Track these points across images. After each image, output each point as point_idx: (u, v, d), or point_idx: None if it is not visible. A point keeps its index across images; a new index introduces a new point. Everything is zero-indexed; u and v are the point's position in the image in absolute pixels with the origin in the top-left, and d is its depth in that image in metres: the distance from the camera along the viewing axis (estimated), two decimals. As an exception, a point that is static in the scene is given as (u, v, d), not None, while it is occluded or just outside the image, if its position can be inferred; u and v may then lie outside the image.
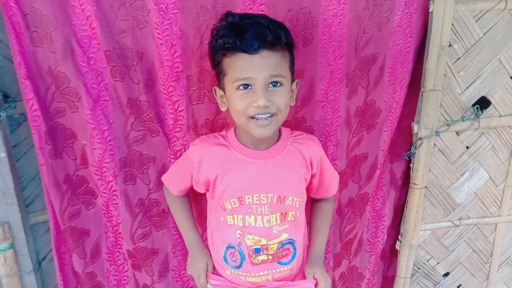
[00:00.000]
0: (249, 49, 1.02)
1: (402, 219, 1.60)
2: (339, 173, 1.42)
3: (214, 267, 1.31)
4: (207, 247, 1.35)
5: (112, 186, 1.34)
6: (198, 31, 1.22)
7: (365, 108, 1.44)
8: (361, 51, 1.35)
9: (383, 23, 1.33)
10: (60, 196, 1.32)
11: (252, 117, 1.08)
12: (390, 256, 1.76)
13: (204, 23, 1.21)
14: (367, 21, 1.31)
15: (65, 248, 1.40)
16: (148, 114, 1.30)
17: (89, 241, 1.42)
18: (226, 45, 1.05)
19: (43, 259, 1.46)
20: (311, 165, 1.23)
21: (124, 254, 1.45)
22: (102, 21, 1.16)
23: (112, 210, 1.37)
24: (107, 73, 1.23)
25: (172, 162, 1.36)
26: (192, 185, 1.27)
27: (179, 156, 1.35)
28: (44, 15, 1.15)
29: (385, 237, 1.66)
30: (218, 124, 1.35)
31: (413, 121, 1.47)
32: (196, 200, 1.42)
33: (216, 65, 1.12)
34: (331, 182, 1.32)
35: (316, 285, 1.28)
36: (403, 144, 1.56)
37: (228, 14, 1.09)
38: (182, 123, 1.31)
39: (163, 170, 1.38)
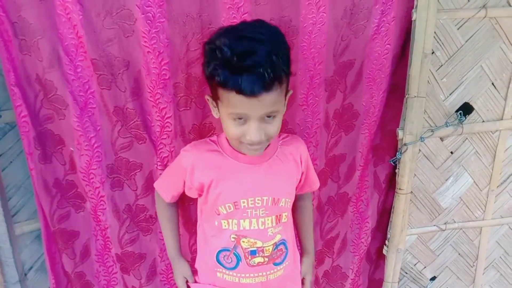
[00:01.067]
0: (247, 94, 0.99)
1: (389, 224, 1.62)
2: (318, 172, 1.48)
3: (197, 274, 1.34)
4: (194, 252, 1.37)
5: (99, 192, 1.36)
6: (185, 39, 1.24)
7: (343, 110, 1.48)
8: (339, 58, 1.39)
9: (360, 30, 1.37)
10: (49, 199, 1.35)
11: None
12: (377, 259, 1.79)
13: (190, 31, 1.24)
14: (345, 28, 1.35)
15: (55, 248, 1.42)
16: (134, 122, 1.32)
17: (78, 242, 1.44)
18: (222, 84, 1.02)
19: (30, 269, 1.46)
20: (301, 163, 1.26)
21: (113, 257, 1.47)
22: (89, 29, 1.18)
23: (100, 215, 1.40)
24: (94, 81, 1.25)
25: (159, 169, 1.38)
26: (184, 190, 1.28)
27: (166, 163, 1.37)
28: (32, 24, 1.17)
29: (369, 238, 1.70)
30: (205, 128, 1.37)
31: (397, 126, 1.50)
32: (183, 206, 1.44)
33: (210, 84, 1.11)
34: (315, 178, 1.36)
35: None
36: (387, 148, 1.60)
37: (222, 42, 1.02)
38: (169, 129, 1.33)
39: (150, 176, 1.40)
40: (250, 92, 0.99)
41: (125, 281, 1.51)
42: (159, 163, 1.38)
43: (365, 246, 1.70)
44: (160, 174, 1.37)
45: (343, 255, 1.70)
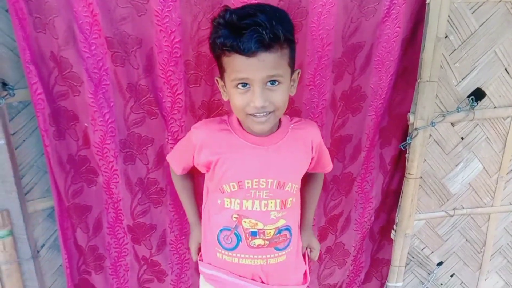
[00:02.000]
0: (246, 52, 1.01)
1: (397, 208, 1.63)
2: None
3: (202, 250, 1.37)
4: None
5: (113, 166, 1.42)
6: (196, 18, 1.27)
7: (351, 92, 1.50)
8: (348, 39, 1.40)
9: (370, 13, 1.38)
10: (64, 175, 1.40)
11: (250, 114, 1.10)
12: (380, 238, 1.82)
13: (201, 10, 1.26)
14: (355, 10, 1.36)
15: (68, 224, 1.47)
16: (147, 98, 1.36)
17: (91, 216, 1.50)
18: (224, 47, 1.05)
19: (42, 246, 1.49)
20: (312, 149, 1.26)
21: (124, 228, 1.53)
22: (103, 8, 1.21)
23: (113, 188, 1.45)
24: (108, 58, 1.28)
25: (170, 143, 1.42)
26: (193, 164, 1.29)
27: (177, 137, 1.41)
28: (47, 2, 1.19)
29: (372, 218, 1.73)
30: (213, 105, 1.41)
31: (406, 110, 1.51)
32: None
33: (216, 58, 1.13)
34: (327, 161, 1.37)
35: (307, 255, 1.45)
36: (395, 131, 1.61)
37: (226, 10, 1.07)
38: (180, 105, 1.37)
39: (161, 151, 1.45)
40: (248, 50, 1.01)
41: (135, 251, 1.58)
42: (169, 137, 1.42)
43: (368, 225, 1.74)
44: (171, 148, 1.41)
45: (346, 232, 1.74)
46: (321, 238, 1.73)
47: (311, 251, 1.48)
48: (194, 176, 1.45)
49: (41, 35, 1.23)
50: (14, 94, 1.26)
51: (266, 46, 1.02)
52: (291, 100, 1.42)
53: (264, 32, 1.00)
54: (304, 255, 1.43)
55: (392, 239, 1.69)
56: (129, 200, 1.48)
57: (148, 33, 1.26)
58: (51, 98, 1.31)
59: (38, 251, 1.46)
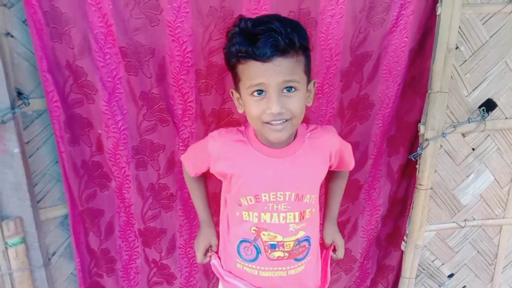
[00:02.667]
0: (262, 57, 1.01)
1: (408, 219, 1.62)
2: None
3: (222, 259, 1.35)
4: (216, 213, 1.41)
5: (125, 171, 1.46)
6: (207, 29, 1.30)
7: (358, 100, 1.52)
8: (356, 49, 1.43)
9: (378, 23, 1.40)
10: (78, 180, 1.44)
11: (267, 122, 1.08)
12: (387, 245, 1.83)
13: (213, 21, 1.29)
14: (363, 21, 1.39)
15: (80, 228, 1.51)
16: (159, 106, 1.39)
17: (103, 220, 1.54)
18: (239, 53, 1.05)
19: (53, 254, 1.50)
20: (330, 157, 1.25)
21: (135, 232, 1.57)
22: (118, 19, 1.25)
23: (125, 193, 1.49)
24: (121, 67, 1.32)
25: (181, 149, 1.45)
26: (208, 169, 1.28)
27: (187, 143, 1.44)
28: (63, 13, 1.23)
29: (379, 225, 1.75)
30: (224, 113, 1.44)
31: (413, 119, 1.53)
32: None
33: (231, 69, 1.13)
34: (350, 159, 1.35)
35: (334, 250, 1.43)
36: (403, 140, 1.63)
37: (241, 19, 1.08)
38: (191, 112, 1.41)
39: (172, 157, 1.48)
40: (264, 55, 1.01)
41: (146, 254, 1.62)
42: (180, 144, 1.45)
43: (375, 232, 1.76)
44: (182, 153, 1.43)
45: (353, 239, 1.76)
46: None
47: (334, 250, 1.43)
48: (207, 178, 1.46)
49: (57, 45, 1.26)
50: (29, 103, 1.29)
51: (281, 51, 1.02)
52: None
53: (279, 37, 1.00)
54: (326, 258, 1.40)
55: (399, 247, 1.69)
56: (140, 204, 1.51)
57: (161, 43, 1.29)
58: (66, 105, 1.34)
59: (49, 259, 1.47)
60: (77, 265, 1.52)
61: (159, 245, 1.60)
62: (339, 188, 1.44)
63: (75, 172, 1.42)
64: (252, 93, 1.07)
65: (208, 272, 1.71)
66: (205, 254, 1.40)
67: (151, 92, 1.36)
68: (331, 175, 1.41)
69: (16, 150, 1.27)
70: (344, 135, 1.56)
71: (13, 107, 1.23)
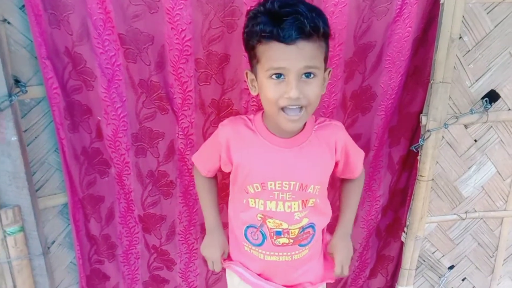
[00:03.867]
0: (286, 39, 1.00)
1: (408, 210, 1.61)
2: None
3: (230, 245, 1.36)
4: (225, 224, 1.39)
5: (124, 158, 1.46)
6: (207, 17, 1.28)
7: (361, 92, 1.50)
8: (359, 39, 1.40)
9: (382, 12, 1.37)
10: (78, 167, 1.44)
11: (282, 109, 1.07)
12: (386, 236, 1.82)
13: (212, 9, 1.27)
14: (367, 10, 1.36)
15: (80, 215, 1.51)
16: (158, 94, 1.38)
17: (103, 206, 1.55)
18: (263, 33, 1.02)
19: (52, 243, 1.50)
20: (335, 151, 1.24)
21: (135, 218, 1.58)
22: (116, 5, 1.23)
23: (124, 180, 1.50)
24: (120, 54, 1.31)
25: (181, 138, 1.45)
26: (220, 166, 1.28)
27: (187, 133, 1.44)
28: None
29: (379, 216, 1.74)
30: (223, 103, 1.43)
31: (415, 109, 1.51)
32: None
33: (250, 49, 1.10)
34: (357, 163, 1.32)
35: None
36: (404, 131, 1.61)
37: (263, 2, 1.06)
38: (190, 102, 1.39)
39: (171, 145, 1.48)
40: (289, 37, 0.99)
41: (146, 239, 1.63)
42: (180, 133, 1.44)
43: (375, 223, 1.75)
44: (181, 143, 1.44)
45: (353, 230, 1.69)
46: (330, 234, 1.72)
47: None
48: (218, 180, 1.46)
49: (56, 31, 1.25)
50: (26, 91, 1.27)
51: (306, 34, 1.01)
52: None
53: (305, 20, 0.99)
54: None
55: (399, 238, 1.69)
56: (140, 191, 1.52)
57: (160, 30, 1.28)
58: (65, 92, 1.33)
59: (48, 248, 1.47)
60: (77, 253, 1.53)
61: (159, 231, 1.61)
62: (351, 200, 1.39)
63: (75, 159, 1.42)
64: (271, 76, 1.05)
65: None
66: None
67: (150, 79, 1.35)
68: (344, 188, 1.39)
69: (14, 138, 1.27)
70: (346, 127, 1.50)
71: (10, 95, 1.22)
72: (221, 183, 1.47)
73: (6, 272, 1.37)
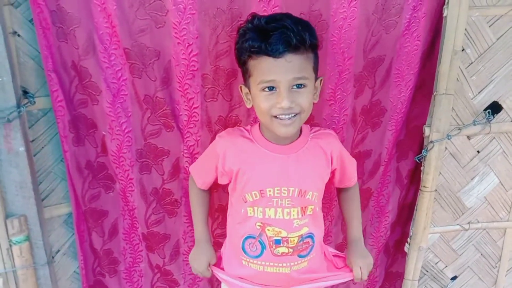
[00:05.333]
0: (274, 53, 1.05)
1: (412, 221, 1.61)
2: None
3: (224, 259, 1.35)
4: (216, 236, 1.41)
5: (128, 174, 1.43)
6: (214, 32, 1.26)
7: (371, 107, 1.48)
8: (369, 53, 1.39)
9: (391, 26, 1.36)
10: (82, 180, 1.43)
11: (276, 117, 1.11)
12: (394, 252, 1.80)
13: (220, 24, 1.26)
14: (376, 24, 1.35)
15: (84, 227, 1.50)
16: (163, 110, 1.36)
17: (107, 221, 1.52)
18: (252, 49, 1.07)
19: (57, 252, 1.51)
20: (331, 160, 1.26)
21: (139, 235, 1.55)
22: (122, 20, 1.22)
23: (128, 196, 1.47)
24: (126, 69, 1.29)
25: (186, 157, 1.42)
26: (216, 178, 1.30)
27: (192, 151, 1.41)
28: (69, 13, 1.21)
29: (388, 232, 1.71)
30: (230, 120, 1.41)
31: (423, 123, 1.49)
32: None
33: (242, 64, 1.15)
34: (352, 171, 1.35)
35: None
36: (411, 144, 1.60)
37: (254, 16, 1.11)
38: (196, 119, 1.37)
39: (176, 163, 1.45)
40: (277, 51, 1.04)
41: (149, 258, 1.59)
42: (185, 151, 1.42)
43: (384, 239, 1.72)
44: (187, 161, 1.42)
45: None
46: None
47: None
48: (212, 193, 1.45)
49: (63, 45, 1.25)
50: (34, 102, 1.28)
51: (293, 47, 1.05)
52: (311, 117, 1.40)
53: (291, 34, 1.04)
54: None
55: (406, 253, 1.67)
56: (143, 208, 1.49)
57: (166, 45, 1.27)
58: (72, 105, 1.33)
59: (53, 257, 1.47)
60: (80, 263, 1.51)
61: (162, 251, 1.58)
62: (352, 207, 1.40)
63: (78, 172, 1.41)
64: (263, 89, 1.10)
65: (212, 280, 1.68)
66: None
67: (156, 95, 1.33)
68: (341, 196, 1.41)
69: (22, 148, 1.27)
70: (356, 143, 1.52)
71: (18, 106, 1.23)
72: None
73: (11, 282, 1.36)
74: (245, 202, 1.23)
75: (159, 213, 1.51)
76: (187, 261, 1.57)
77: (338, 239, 1.68)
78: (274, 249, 1.24)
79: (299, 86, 1.10)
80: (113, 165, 1.42)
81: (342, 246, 1.69)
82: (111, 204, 1.50)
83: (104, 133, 1.38)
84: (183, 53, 1.27)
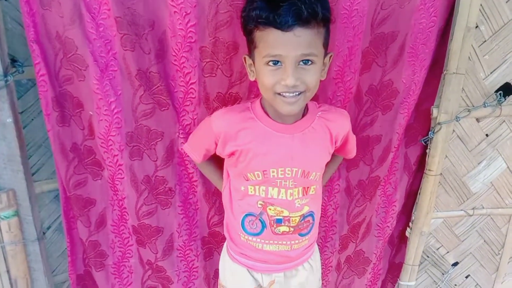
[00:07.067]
0: (282, 26, 0.97)
1: (414, 205, 1.57)
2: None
3: (227, 229, 1.30)
4: (213, 225, 1.34)
5: (117, 160, 1.31)
6: (214, 0, 1.16)
7: (381, 87, 1.38)
8: (376, 28, 1.29)
9: (405, 0, 1.27)
10: (66, 164, 1.31)
11: (279, 94, 1.05)
12: (399, 242, 1.73)
13: None
14: None
15: (73, 213, 1.39)
16: (158, 87, 1.25)
17: (94, 210, 1.41)
18: (259, 19, 1.00)
19: (48, 228, 1.46)
20: (336, 141, 1.22)
21: (129, 228, 1.43)
22: None
23: (117, 184, 1.35)
24: (116, 41, 1.18)
25: (181, 137, 1.32)
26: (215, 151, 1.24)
27: (188, 131, 1.31)
28: None
29: (395, 222, 1.63)
30: (230, 97, 1.30)
31: (433, 104, 1.42)
32: (203, 176, 1.39)
33: (248, 34, 1.07)
34: (352, 148, 1.32)
35: None
36: (420, 128, 1.51)
37: None
38: (193, 96, 1.27)
39: (170, 146, 1.34)
40: (285, 23, 0.97)
41: (140, 254, 1.48)
42: (181, 131, 1.32)
43: (390, 230, 1.63)
44: (182, 142, 1.32)
45: (366, 239, 1.63)
46: (342, 247, 1.63)
47: None
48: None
49: (47, 13, 1.14)
50: (23, 71, 1.22)
51: (303, 21, 0.97)
52: (315, 97, 1.29)
53: (302, 6, 0.96)
54: None
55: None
56: (134, 198, 1.36)
57: (162, 14, 1.16)
58: (57, 81, 1.22)
59: (44, 233, 1.43)
60: (68, 251, 1.42)
61: (155, 245, 1.45)
62: (327, 173, 1.37)
63: (62, 154, 1.29)
64: (268, 63, 1.03)
65: (209, 278, 1.57)
66: None
67: (150, 70, 1.22)
68: None
69: (9, 120, 1.22)
70: (363, 126, 1.43)
71: (5, 75, 1.17)
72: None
73: (-1, 257, 1.34)
74: (247, 180, 1.18)
75: (152, 204, 1.39)
76: (182, 257, 1.49)
77: (342, 230, 1.60)
78: (275, 228, 1.21)
79: (307, 62, 1.03)
80: (101, 150, 1.30)
81: (347, 238, 1.61)
82: (99, 193, 1.38)
83: (91, 113, 1.26)
84: (180, 23, 1.16)
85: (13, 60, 1.21)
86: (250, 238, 1.23)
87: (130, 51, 1.19)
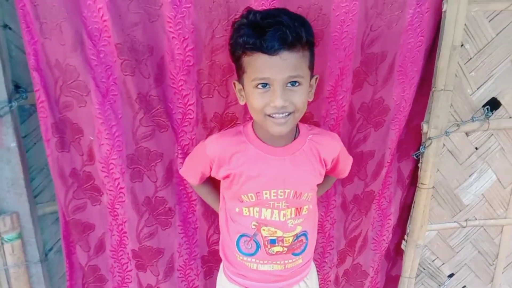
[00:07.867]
0: (269, 50, 1.01)
1: (409, 218, 1.60)
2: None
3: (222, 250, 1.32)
4: (212, 243, 1.36)
5: (119, 183, 1.33)
6: (210, 26, 1.21)
7: (373, 105, 1.43)
8: (367, 48, 1.35)
9: (393, 21, 1.32)
10: (65, 189, 1.33)
11: (269, 115, 1.08)
12: (395, 255, 1.75)
13: (216, 17, 1.21)
14: (375, 19, 1.31)
15: (73, 237, 1.40)
16: (157, 109, 1.29)
17: (93, 235, 1.42)
18: (246, 45, 1.04)
19: (50, 250, 1.47)
20: (326, 164, 1.25)
21: (128, 254, 1.43)
22: (114, 13, 1.16)
23: (118, 209, 1.36)
24: (117, 67, 1.22)
25: (180, 157, 1.35)
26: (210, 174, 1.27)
27: (187, 151, 1.34)
28: (54, 6, 1.14)
29: (390, 235, 1.66)
30: (227, 117, 1.34)
31: (423, 120, 1.47)
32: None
33: (236, 60, 1.11)
34: (343, 170, 1.34)
35: None
36: (412, 143, 1.56)
37: (249, 11, 1.08)
38: (191, 117, 1.30)
39: (170, 166, 1.37)
40: (272, 48, 1.01)
41: (139, 278, 1.47)
42: (179, 151, 1.35)
43: (386, 243, 1.66)
44: (181, 162, 1.35)
45: (363, 253, 1.66)
46: (340, 261, 1.65)
47: None
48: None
49: (47, 41, 1.17)
50: (26, 97, 1.25)
51: (289, 45, 1.02)
52: (309, 115, 1.37)
53: (287, 31, 1.00)
54: None
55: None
56: (135, 221, 1.38)
57: (160, 40, 1.21)
58: (57, 107, 1.24)
59: (46, 255, 1.44)
60: (67, 276, 1.43)
61: (156, 267, 1.46)
62: (322, 189, 1.41)
63: (61, 180, 1.31)
64: (257, 86, 1.07)
65: None
66: None
67: (149, 94, 1.26)
68: None
69: (13, 144, 1.25)
70: (357, 143, 1.47)
71: (10, 101, 1.21)
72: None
73: (3, 280, 1.35)
74: (241, 202, 1.21)
75: (152, 225, 1.41)
76: (183, 277, 1.50)
77: (340, 244, 1.62)
78: (269, 249, 1.23)
79: (294, 83, 1.06)
80: (101, 174, 1.32)
81: (344, 253, 1.64)
82: (98, 218, 1.39)
83: (91, 138, 1.28)
84: (178, 48, 1.21)
85: (17, 86, 1.25)
86: (245, 258, 1.25)
87: (130, 76, 1.23)
